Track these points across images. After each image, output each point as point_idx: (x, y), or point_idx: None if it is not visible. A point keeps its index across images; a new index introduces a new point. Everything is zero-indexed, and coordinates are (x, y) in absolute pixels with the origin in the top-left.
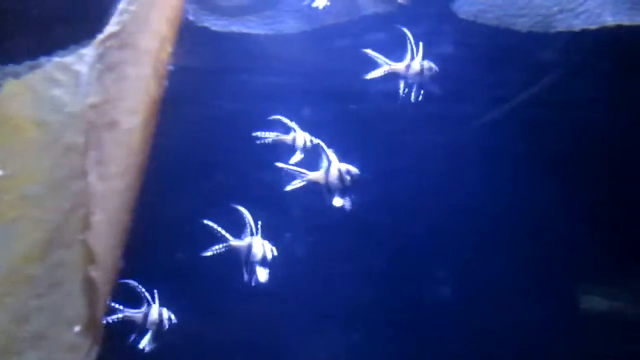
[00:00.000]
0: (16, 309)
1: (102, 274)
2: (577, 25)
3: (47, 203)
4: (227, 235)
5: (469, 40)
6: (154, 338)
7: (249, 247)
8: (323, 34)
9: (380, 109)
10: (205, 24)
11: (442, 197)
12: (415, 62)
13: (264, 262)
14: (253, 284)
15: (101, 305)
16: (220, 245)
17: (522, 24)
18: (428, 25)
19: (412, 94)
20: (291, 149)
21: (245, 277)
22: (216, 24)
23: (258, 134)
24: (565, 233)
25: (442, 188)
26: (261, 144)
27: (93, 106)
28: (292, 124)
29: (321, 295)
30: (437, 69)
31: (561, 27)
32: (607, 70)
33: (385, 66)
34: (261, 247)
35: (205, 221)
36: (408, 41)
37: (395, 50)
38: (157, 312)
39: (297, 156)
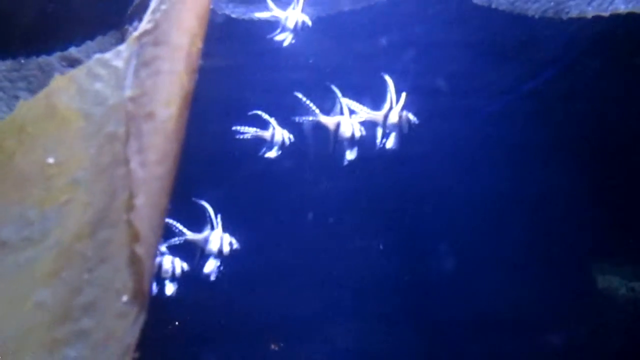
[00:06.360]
0: (71, 282)
1: (146, 251)
2: (590, 12)
3: (94, 187)
4: (184, 230)
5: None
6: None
7: (206, 240)
8: (339, 20)
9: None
10: (226, 12)
11: (462, 182)
12: (393, 112)
13: (220, 255)
14: (206, 275)
15: (146, 277)
16: (177, 238)
17: (535, 10)
18: (443, 10)
19: (390, 140)
20: (270, 144)
21: (194, 265)
22: (235, 11)
23: (237, 128)
24: (579, 215)
25: (461, 174)
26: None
27: (131, 99)
28: (271, 120)
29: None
30: (416, 121)
31: (573, 13)
32: (617, 58)
33: (363, 114)
34: (219, 240)
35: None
36: (388, 89)
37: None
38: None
39: (274, 152)
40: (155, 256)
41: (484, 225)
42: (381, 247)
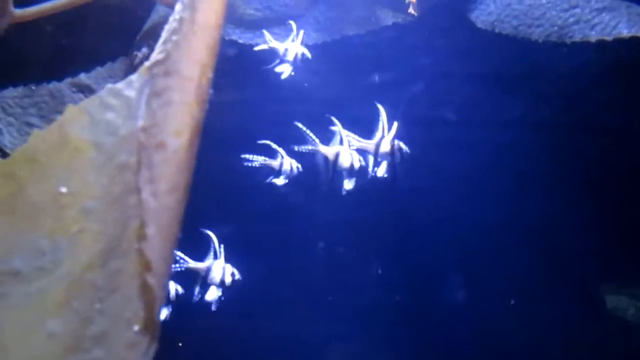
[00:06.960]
0: (83, 312)
1: (157, 280)
2: (593, 36)
3: (106, 217)
4: (186, 258)
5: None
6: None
7: (208, 269)
8: (343, 44)
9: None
10: (233, 37)
11: (468, 212)
12: (385, 140)
13: (221, 285)
14: (207, 304)
15: (157, 307)
16: (177, 265)
17: (539, 34)
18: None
19: (381, 169)
20: (277, 173)
21: (196, 297)
22: (242, 37)
23: (246, 156)
24: (587, 238)
25: (467, 204)
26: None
27: (143, 129)
28: (280, 149)
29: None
30: (408, 150)
31: (577, 37)
32: (622, 87)
33: (355, 142)
34: (221, 270)
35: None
36: (380, 118)
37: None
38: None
39: (281, 180)
40: (166, 286)
41: (490, 253)
42: (380, 271)
